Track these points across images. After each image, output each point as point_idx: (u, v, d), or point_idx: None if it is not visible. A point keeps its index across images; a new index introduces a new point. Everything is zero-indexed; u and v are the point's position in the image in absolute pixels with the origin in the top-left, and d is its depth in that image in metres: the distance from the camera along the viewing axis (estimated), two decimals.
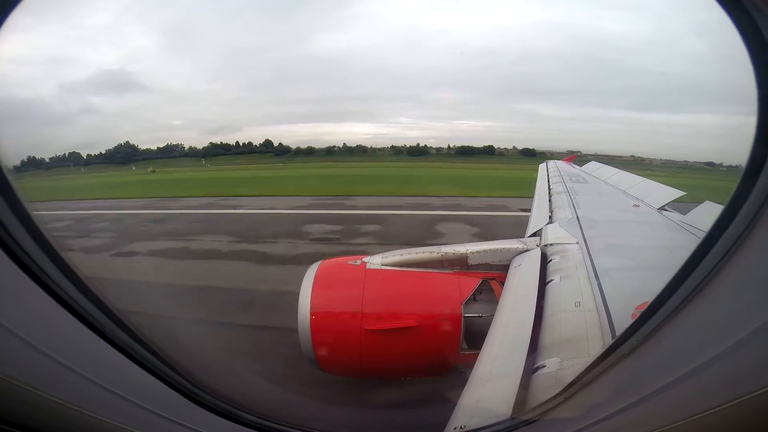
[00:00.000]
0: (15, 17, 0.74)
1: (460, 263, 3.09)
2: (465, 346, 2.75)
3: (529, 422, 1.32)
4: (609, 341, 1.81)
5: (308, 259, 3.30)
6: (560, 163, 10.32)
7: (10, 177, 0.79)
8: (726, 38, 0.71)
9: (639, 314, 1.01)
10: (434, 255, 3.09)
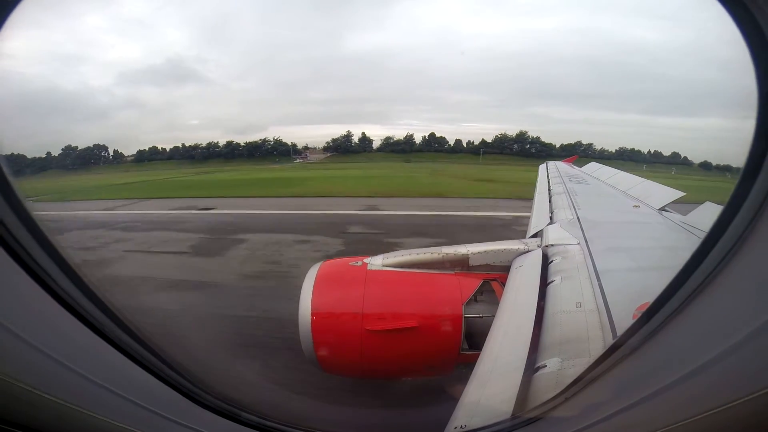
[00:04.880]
0: (17, 16, 0.74)
1: (461, 264, 3.09)
2: (466, 346, 2.74)
3: (529, 422, 1.32)
4: (610, 342, 1.80)
5: None
6: (560, 164, 10.32)
7: (10, 177, 0.80)
8: (733, 41, 0.71)
9: (640, 315, 1.01)
10: (435, 256, 3.09)
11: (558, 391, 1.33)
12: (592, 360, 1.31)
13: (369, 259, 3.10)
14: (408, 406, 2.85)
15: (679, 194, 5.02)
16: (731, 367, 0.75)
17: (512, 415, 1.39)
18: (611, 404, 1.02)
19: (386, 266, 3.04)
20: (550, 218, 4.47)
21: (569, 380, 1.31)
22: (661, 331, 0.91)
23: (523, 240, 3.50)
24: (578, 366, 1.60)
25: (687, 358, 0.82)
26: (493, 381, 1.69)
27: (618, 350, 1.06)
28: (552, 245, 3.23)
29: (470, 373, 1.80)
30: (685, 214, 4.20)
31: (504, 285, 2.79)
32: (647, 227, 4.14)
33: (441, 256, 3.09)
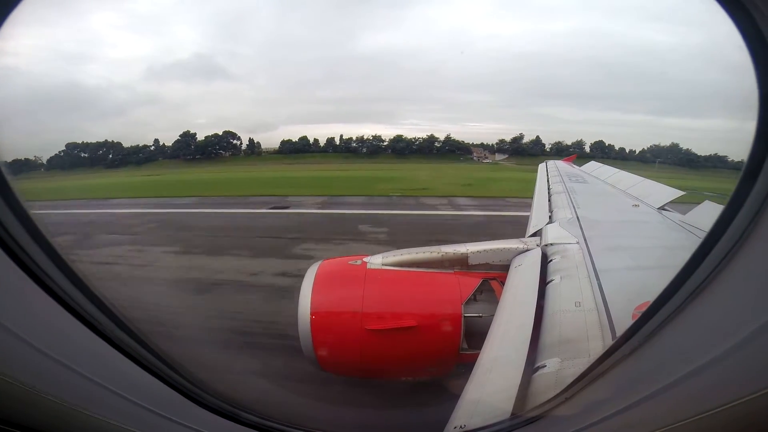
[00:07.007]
0: (17, 15, 0.74)
1: (461, 263, 3.09)
2: (465, 346, 2.75)
3: (529, 422, 1.32)
4: (609, 341, 1.81)
5: None
6: (560, 163, 10.32)
7: (9, 177, 0.79)
8: (736, 43, 0.71)
9: (640, 314, 1.01)
10: (435, 255, 3.09)
11: (557, 390, 1.33)
12: (591, 360, 1.31)
13: (368, 258, 3.10)
14: (408, 406, 2.85)
15: (679, 193, 5.02)
16: (731, 367, 0.75)
17: (512, 414, 1.39)
18: (611, 404, 1.02)
19: (385, 265, 3.03)
20: (550, 217, 4.47)
21: (569, 380, 1.32)
22: (662, 331, 0.91)
23: (522, 239, 3.50)
24: (578, 366, 1.60)
25: (687, 358, 0.82)
26: (493, 380, 1.70)
27: (617, 350, 1.06)
28: (551, 244, 3.23)
29: (470, 373, 1.80)
30: (684, 214, 4.20)
31: (503, 284, 2.79)
32: (647, 226, 4.15)
33: (440, 255, 3.09)
